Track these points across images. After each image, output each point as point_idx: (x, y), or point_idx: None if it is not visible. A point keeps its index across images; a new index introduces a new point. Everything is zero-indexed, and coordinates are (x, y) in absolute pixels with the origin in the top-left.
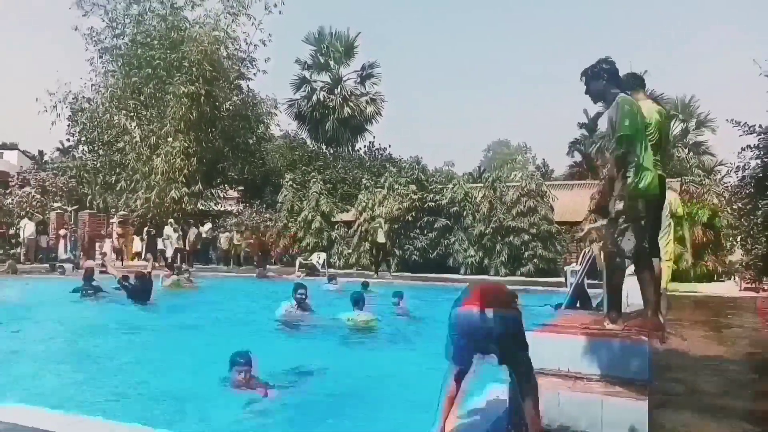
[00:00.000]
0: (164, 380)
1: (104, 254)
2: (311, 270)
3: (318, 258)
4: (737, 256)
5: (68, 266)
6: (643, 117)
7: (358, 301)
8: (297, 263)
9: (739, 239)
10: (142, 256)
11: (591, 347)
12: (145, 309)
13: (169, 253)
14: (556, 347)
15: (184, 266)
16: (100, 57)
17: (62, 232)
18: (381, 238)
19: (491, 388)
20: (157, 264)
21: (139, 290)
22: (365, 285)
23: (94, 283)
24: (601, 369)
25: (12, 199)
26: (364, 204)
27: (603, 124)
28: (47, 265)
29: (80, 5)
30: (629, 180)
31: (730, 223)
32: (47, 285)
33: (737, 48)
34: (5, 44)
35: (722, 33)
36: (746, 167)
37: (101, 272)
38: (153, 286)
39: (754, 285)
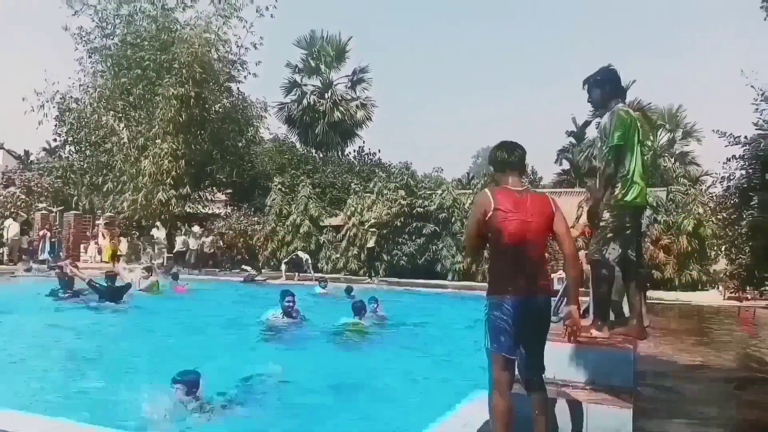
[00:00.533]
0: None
1: (69, 257)
2: (297, 266)
3: (302, 255)
4: (721, 265)
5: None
6: (638, 128)
7: (360, 309)
8: (283, 267)
9: (723, 249)
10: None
11: (577, 354)
12: (112, 312)
13: (156, 256)
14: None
15: (176, 269)
16: (90, 57)
17: (42, 232)
18: (371, 243)
19: (478, 393)
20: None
21: (111, 290)
22: (349, 290)
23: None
24: (586, 376)
25: None
26: (352, 209)
27: (591, 132)
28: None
29: (70, 4)
30: (617, 191)
31: (714, 232)
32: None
33: (726, 58)
34: None
35: (711, 42)
36: (731, 177)
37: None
38: (127, 286)
39: (737, 294)
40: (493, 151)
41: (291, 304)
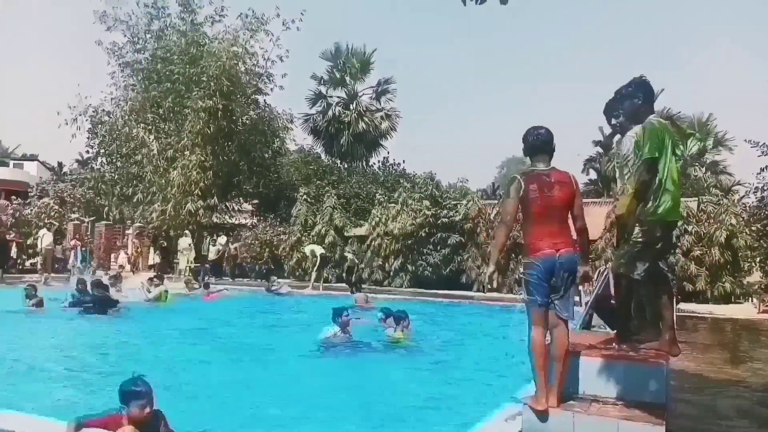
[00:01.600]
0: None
1: (101, 267)
2: (324, 261)
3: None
4: (756, 277)
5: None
6: (672, 139)
7: (400, 320)
8: (312, 277)
9: (757, 261)
10: (155, 268)
11: (608, 369)
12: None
13: (182, 265)
14: (572, 368)
15: (207, 279)
16: (121, 71)
17: (72, 242)
18: (349, 263)
19: (507, 406)
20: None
21: (101, 301)
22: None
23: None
24: (617, 391)
25: (31, 210)
26: (377, 219)
27: (625, 144)
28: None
29: (103, 20)
30: (648, 204)
31: (748, 244)
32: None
33: (758, 66)
34: (28, 57)
35: (743, 50)
36: (765, 188)
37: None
38: (113, 301)
39: None
40: (524, 136)
41: (347, 318)
